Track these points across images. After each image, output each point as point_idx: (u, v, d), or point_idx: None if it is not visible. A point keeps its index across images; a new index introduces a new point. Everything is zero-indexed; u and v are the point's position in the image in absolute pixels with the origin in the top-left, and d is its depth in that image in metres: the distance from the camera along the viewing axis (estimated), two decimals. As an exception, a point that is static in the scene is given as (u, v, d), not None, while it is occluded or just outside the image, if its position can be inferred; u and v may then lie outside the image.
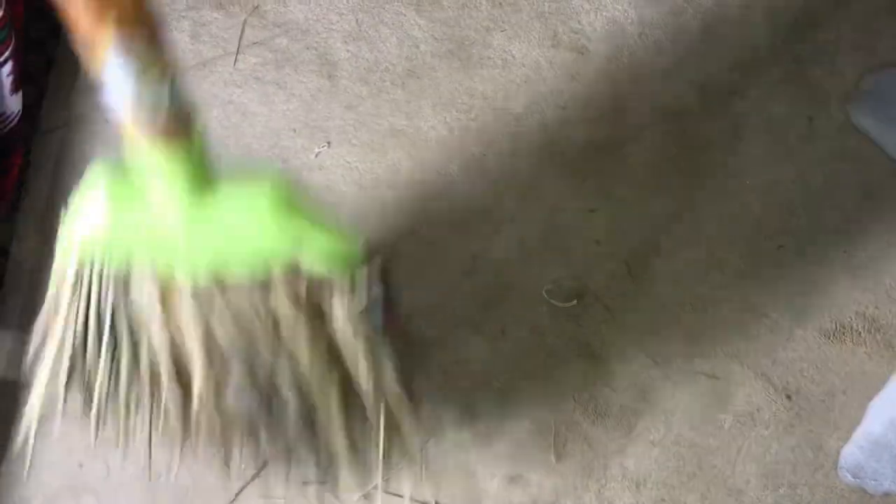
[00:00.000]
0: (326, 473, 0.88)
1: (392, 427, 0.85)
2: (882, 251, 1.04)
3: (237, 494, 1.03)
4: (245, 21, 1.13)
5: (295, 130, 1.11)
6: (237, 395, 0.80)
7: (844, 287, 1.03)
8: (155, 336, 0.78)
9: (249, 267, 0.72)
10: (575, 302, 1.05)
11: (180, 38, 1.13)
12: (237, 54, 1.13)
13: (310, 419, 0.83)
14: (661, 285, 1.05)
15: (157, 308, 0.76)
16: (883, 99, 1.04)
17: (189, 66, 1.12)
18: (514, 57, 1.10)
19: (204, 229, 0.69)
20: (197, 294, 0.75)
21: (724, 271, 1.04)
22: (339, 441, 0.84)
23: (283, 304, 0.75)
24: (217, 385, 0.80)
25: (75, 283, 0.75)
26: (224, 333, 0.77)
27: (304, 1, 1.13)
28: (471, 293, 1.06)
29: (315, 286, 0.75)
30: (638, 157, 1.07)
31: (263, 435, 0.84)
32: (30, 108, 1.08)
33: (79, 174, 1.09)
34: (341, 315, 0.76)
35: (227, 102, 1.12)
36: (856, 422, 1.01)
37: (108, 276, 0.74)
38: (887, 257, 1.04)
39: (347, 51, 1.12)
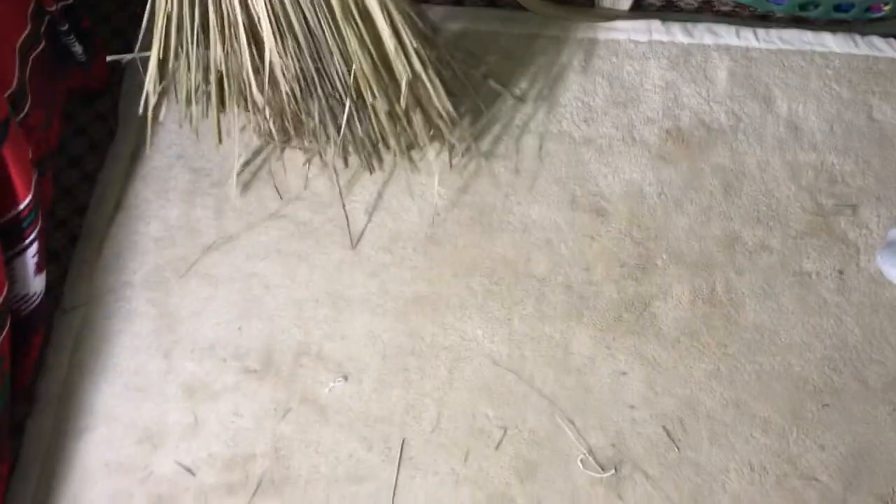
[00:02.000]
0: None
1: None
2: (933, 407, 0.99)
3: None
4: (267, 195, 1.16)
5: (318, 301, 1.10)
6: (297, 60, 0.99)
7: (897, 447, 0.98)
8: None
9: None
10: (613, 471, 1.00)
11: (203, 214, 1.15)
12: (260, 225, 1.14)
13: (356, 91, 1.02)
14: (703, 450, 0.99)
15: None
16: None
17: (212, 241, 1.14)
18: (533, 221, 1.10)
19: None
20: None
21: (768, 433, 0.99)
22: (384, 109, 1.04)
23: None
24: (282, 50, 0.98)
25: None
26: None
27: (323, 176, 1.16)
28: (502, 464, 1.01)
29: None
30: (667, 314, 1.04)
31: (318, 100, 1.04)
32: (51, 287, 1.08)
33: (97, 354, 1.10)
34: None
35: (251, 275, 1.12)
36: None
37: None
38: (939, 413, 0.99)
39: (371, 220, 1.13)
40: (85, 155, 1.21)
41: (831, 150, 1.10)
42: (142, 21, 1.00)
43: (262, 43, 0.97)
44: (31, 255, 0.99)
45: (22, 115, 1.00)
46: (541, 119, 1.16)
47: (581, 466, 1.00)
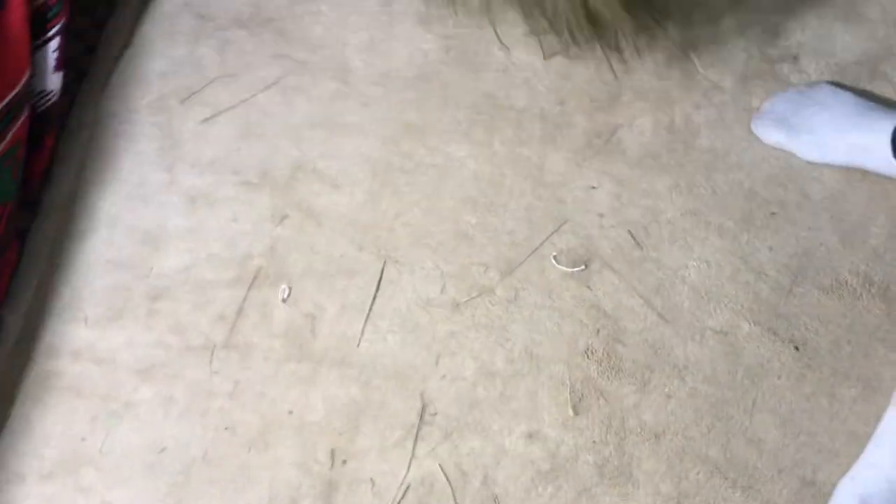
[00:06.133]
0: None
1: None
2: (867, 219, 1.11)
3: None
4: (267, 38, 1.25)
5: (313, 125, 1.19)
6: None
7: (836, 248, 1.09)
8: None
9: None
10: (584, 267, 1.09)
11: (208, 52, 1.24)
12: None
13: None
14: (664, 250, 1.10)
15: None
16: (782, 115, 1.15)
17: (215, 75, 1.22)
18: (513, 63, 1.22)
19: None
20: None
21: (722, 236, 1.10)
22: None
23: None
24: None
25: None
26: None
27: (320, 21, 1.26)
28: (483, 262, 1.10)
29: None
30: (632, 140, 1.16)
31: None
32: (64, 92, 1.15)
33: (102, 169, 1.16)
34: None
35: (251, 104, 1.20)
36: (865, 371, 1.03)
37: None
38: (871, 223, 1.10)
39: (362, 60, 1.23)
40: (96, 5, 1.29)
41: (775, 13, 1.24)
42: None
43: None
44: (52, 49, 1.06)
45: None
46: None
47: (554, 263, 1.10)
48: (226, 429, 1.02)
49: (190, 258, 1.11)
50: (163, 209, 1.14)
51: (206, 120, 1.19)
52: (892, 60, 1.18)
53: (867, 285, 1.07)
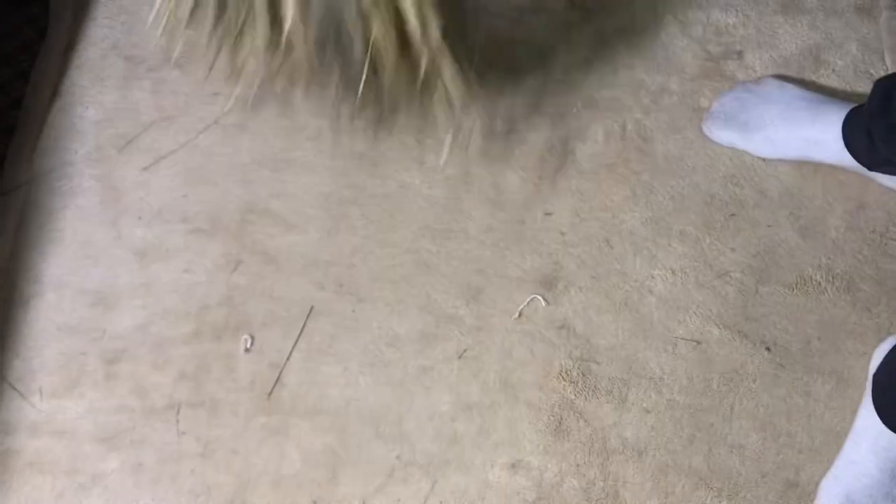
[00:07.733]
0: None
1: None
2: (824, 212, 1.11)
3: None
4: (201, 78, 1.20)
5: (260, 164, 1.15)
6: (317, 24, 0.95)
7: (797, 244, 1.09)
8: None
9: None
10: (551, 287, 1.08)
11: (141, 96, 1.18)
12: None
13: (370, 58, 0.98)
14: (628, 261, 1.09)
15: None
16: (732, 114, 1.15)
17: (152, 119, 1.17)
18: (459, 82, 1.20)
19: None
20: None
21: (684, 242, 1.09)
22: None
23: None
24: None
25: None
26: None
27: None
28: (447, 291, 1.08)
29: None
30: (585, 152, 1.14)
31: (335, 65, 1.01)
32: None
33: (42, 229, 1.11)
34: None
35: (192, 147, 1.16)
36: (836, 365, 1.03)
37: None
38: (829, 216, 1.11)
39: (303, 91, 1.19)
40: (18, 54, 1.23)
41: (715, 8, 1.23)
42: None
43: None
44: (-23, 113, 1.01)
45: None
46: None
47: (520, 285, 1.08)
48: (199, 495, 0.99)
49: (145, 315, 1.07)
50: (111, 266, 1.10)
51: (147, 168, 1.15)
52: (834, 49, 1.19)
53: (831, 279, 1.08)
